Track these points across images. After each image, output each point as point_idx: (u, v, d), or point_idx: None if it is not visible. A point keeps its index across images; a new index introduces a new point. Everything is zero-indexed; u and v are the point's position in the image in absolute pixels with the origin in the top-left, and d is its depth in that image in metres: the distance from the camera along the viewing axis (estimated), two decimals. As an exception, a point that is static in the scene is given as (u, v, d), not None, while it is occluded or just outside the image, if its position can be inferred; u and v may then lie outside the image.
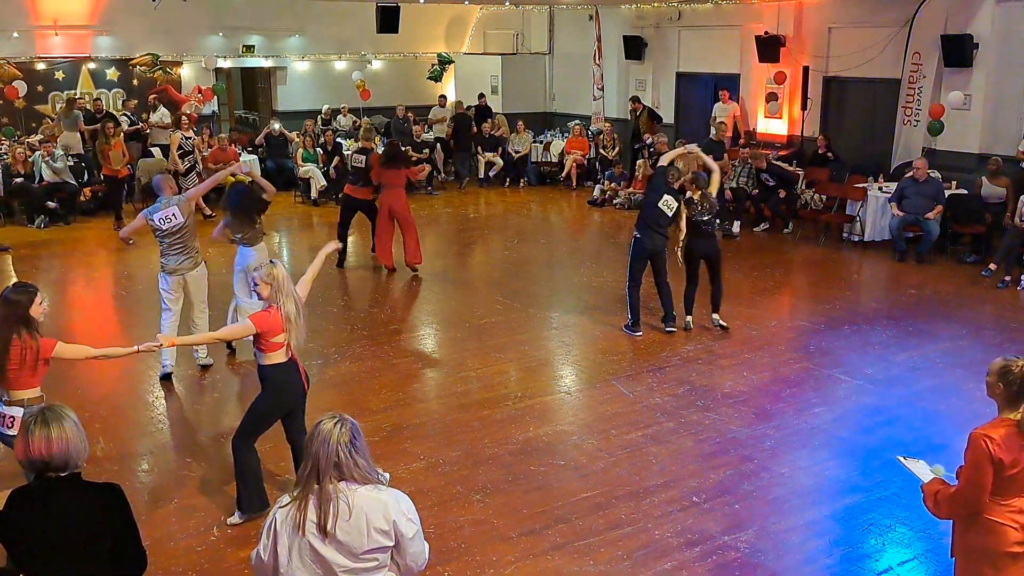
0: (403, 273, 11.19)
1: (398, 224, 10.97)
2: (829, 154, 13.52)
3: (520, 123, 17.65)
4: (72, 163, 14.15)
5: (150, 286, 10.76)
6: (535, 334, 8.82)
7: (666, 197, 8.41)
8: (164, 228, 7.24)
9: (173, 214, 7.19)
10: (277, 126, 16.60)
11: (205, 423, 6.89)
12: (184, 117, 14.64)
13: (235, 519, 5.33)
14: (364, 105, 18.13)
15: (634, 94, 17.08)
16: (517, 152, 17.47)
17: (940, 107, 12.05)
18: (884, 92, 13.49)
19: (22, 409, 4.61)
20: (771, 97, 14.80)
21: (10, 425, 4.66)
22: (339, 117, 17.99)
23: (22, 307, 4.64)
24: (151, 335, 8.89)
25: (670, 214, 8.45)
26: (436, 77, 19.36)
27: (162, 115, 15.93)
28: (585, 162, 17.10)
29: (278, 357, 5.04)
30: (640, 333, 8.64)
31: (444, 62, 19.29)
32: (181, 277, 7.42)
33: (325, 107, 17.76)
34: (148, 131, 15.75)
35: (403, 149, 11.17)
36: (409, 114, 17.35)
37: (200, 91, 16.61)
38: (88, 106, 15.38)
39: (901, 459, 4.01)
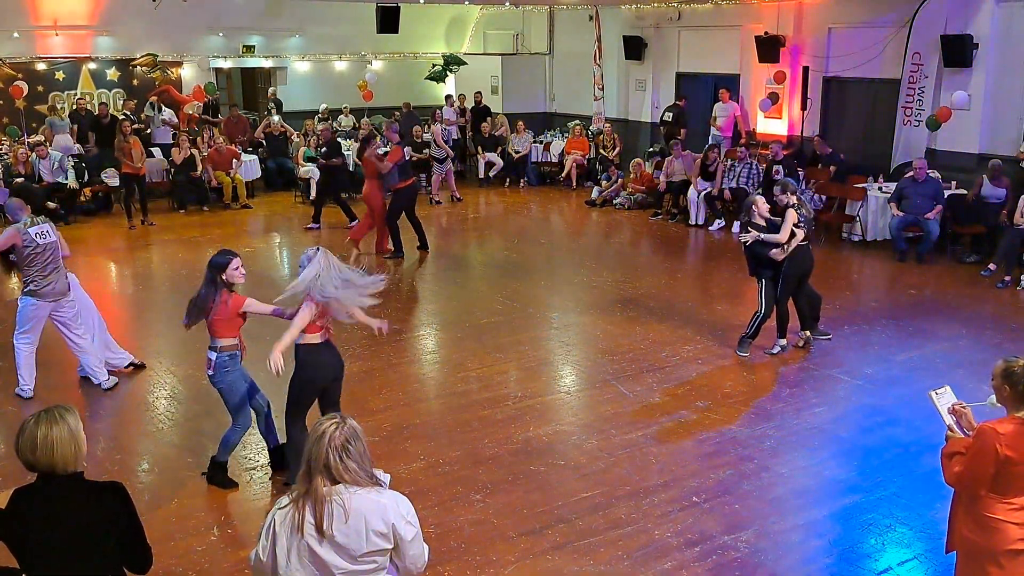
0: (403, 273, 11.18)
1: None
2: (830, 150, 13.49)
3: (520, 123, 17.64)
4: (72, 164, 14.15)
5: (150, 286, 10.81)
6: (535, 334, 8.83)
7: None
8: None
9: None
10: (277, 118, 16.54)
11: (205, 423, 6.88)
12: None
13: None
14: (365, 105, 18.13)
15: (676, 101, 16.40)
16: (517, 152, 17.46)
17: (947, 110, 12.00)
18: (884, 92, 13.48)
19: (215, 353, 5.47)
20: (773, 97, 14.75)
21: (208, 366, 5.53)
22: (340, 117, 17.99)
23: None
24: (153, 335, 8.96)
25: None
26: (437, 77, 19.30)
27: (170, 115, 15.96)
28: (585, 162, 17.09)
29: (312, 338, 5.36)
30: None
31: (451, 63, 19.22)
32: None
33: (323, 107, 17.75)
34: (149, 131, 15.77)
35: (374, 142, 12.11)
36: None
37: (196, 97, 16.70)
38: (88, 107, 15.38)
39: (932, 395, 3.90)
